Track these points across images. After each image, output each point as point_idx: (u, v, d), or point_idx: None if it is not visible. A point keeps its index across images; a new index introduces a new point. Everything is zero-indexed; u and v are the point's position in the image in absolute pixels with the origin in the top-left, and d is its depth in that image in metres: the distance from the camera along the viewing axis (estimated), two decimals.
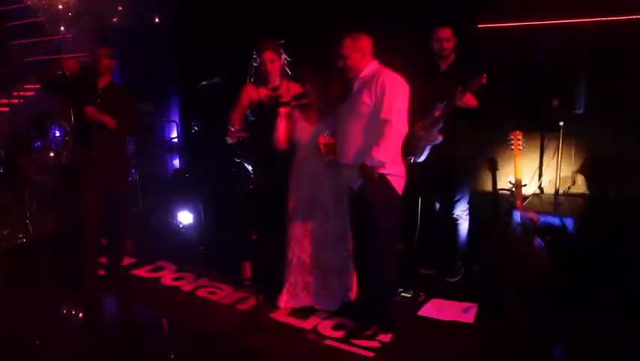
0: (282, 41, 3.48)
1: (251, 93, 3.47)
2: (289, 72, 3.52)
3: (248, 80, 3.55)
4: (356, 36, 2.92)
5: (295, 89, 3.40)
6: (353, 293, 3.32)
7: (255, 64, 3.48)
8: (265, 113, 3.34)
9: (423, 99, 3.34)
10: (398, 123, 2.78)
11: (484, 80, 3.20)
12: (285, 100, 3.21)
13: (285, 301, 3.32)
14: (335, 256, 3.23)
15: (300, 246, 3.24)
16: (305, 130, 3.19)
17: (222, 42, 5.11)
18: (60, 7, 7.35)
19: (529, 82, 3.96)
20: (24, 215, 5.01)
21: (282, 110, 3.18)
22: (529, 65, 3.99)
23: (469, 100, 3.31)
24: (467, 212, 3.69)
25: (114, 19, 6.82)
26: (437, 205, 3.81)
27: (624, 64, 3.70)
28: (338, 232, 3.21)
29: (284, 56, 3.47)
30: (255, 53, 3.45)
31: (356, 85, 2.96)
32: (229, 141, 3.43)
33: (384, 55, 2.97)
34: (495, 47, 3.92)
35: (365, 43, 2.92)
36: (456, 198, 3.64)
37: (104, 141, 3.57)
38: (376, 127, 2.80)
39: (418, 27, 3.65)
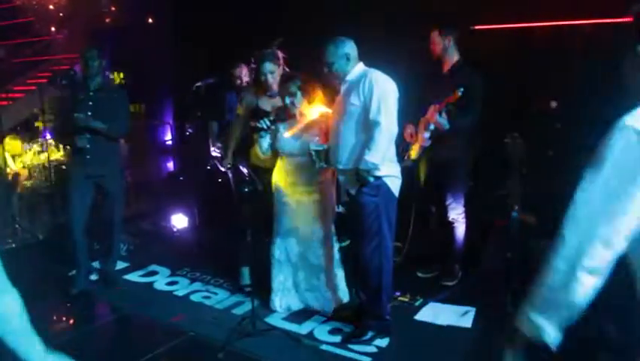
0: (279, 41, 3.36)
1: (250, 101, 3.43)
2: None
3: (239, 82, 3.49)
4: (339, 41, 2.88)
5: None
6: (344, 295, 3.30)
7: (252, 67, 3.44)
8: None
9: (421, 101, 3.31)
10: (387, 124, 2.75)
11: (458, 96, 3.15)
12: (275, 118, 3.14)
13: (278, 302, 3.30)
14: (320, 255, 3.22)
15: (287, 244, 3.24)
16: (289, 140, 3.15)
17: (216, 43, 5.07)
18: (51, 7, 7.27)
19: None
20: (13, 219, 4.92)
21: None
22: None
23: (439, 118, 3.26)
24: (463, 215, 3.66)
25: (106, 20, 6.76)
26: (433, 209, 3.78)
27: None
28: (323, 232, 3.21)
29: (282, 62, 3.36)
30: (253, 61, 3.40)
31: (344, 88, 2.93)
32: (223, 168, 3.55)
33: (387, 57, 2.94)
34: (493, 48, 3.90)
35: (349, 48, 2.88)
36: (448, 202, 3.59)
37: (96, 144, 3.51)
38: (367, 129, 2.77)
39: (422, 29, 3.61)
